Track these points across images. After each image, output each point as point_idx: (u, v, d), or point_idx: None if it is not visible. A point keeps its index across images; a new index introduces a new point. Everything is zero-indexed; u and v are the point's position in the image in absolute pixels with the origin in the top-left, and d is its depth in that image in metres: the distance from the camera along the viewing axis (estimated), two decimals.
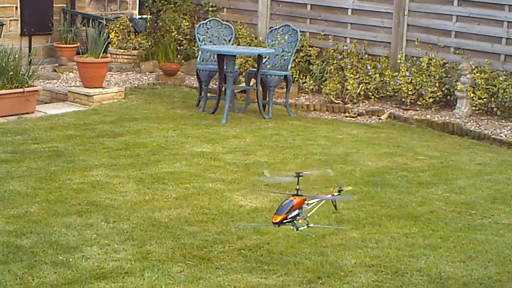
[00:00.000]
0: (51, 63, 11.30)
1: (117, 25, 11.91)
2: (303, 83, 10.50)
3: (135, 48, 11.95)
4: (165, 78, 10.97)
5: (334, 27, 10.68)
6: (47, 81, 10.51)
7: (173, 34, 11.87)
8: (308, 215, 4.55)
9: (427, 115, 9.29)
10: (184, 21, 11.96)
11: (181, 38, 11.93)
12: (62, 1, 12.07)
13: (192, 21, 12.00)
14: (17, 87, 8.66)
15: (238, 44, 10.88)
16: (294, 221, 4.44)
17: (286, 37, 9.57)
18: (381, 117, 9.44)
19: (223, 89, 9.08)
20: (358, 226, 5.31)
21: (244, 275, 4.37)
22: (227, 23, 10.07)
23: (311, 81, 10.36)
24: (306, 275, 4.42)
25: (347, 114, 9.62)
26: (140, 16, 12.98)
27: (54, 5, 11.79)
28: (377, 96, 9.90)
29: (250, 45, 10.92)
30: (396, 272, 4.53)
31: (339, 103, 9.88)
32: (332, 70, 10.08)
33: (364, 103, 9.92)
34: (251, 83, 9.60)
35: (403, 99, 9.65)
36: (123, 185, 6.02)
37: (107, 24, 11.61)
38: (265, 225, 5.02)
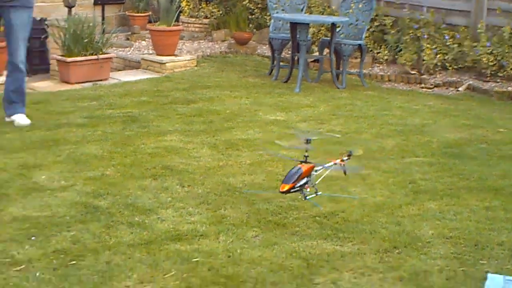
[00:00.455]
0: (123, 31, 11.43)
1: None
2: (377, 53, 10.25)
3: (206, 17, 11.93)
4: (237, 47, 10.92)
5: None
6: (120, 49, 10.63)
7: (244, 2, 11.78)
8: (317, 182, 4.42)
9: (509, 87, 8.88)
10: None
11: (252, 7, 11.84)
12: None
13: None
14: (92, 55, 8.78)
15: (311, 13, 10.70)
16: (303, 189, 4.35)
17: (360, 6, 9.34)
18: (459, 89, 9.12)
19: (296, 58, 8.97)
20: (436, 197, 5.14)
21: (319, 242, 4.29)
22: None
23: (386, 51, 10.10)
24: (382, 244, 4.31)
25: (423, 85, 9.34)
26: None
27: None
28: (455, 67, 9.55)
29: (323, 14, 10.72)
30: (476, 245, 4.36)
31: (414, 73, 9.60)
32: (407, 40, 9.79)
33: (441, 74, 9.61)
34: (324, 53, 9.44)
35: (483, 70, 9.26)
36: (197, 150, 6.02)
37: None
38: (272, 192, 4.88)
